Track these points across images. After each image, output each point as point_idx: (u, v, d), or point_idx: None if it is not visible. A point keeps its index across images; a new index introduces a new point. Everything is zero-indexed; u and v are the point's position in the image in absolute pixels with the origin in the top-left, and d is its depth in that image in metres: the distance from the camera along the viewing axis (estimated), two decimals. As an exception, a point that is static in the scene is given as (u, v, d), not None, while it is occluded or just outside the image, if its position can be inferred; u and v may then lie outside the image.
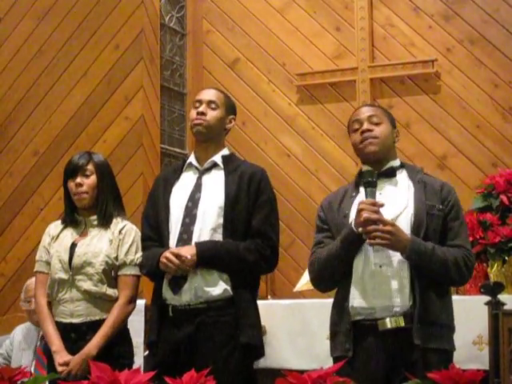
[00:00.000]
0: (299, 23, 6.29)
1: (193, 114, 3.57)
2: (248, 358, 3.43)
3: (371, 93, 5.98)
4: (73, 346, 3.52)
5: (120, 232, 3.64)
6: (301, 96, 6.24)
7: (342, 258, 3.09)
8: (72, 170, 3.66)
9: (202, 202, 3.46)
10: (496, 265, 4.59)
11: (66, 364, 3.45)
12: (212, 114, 3.53)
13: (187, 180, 3.57)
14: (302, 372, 2.13)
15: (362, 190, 3.17)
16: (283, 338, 4.41)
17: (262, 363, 4.00)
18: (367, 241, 3.00)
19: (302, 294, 5.17)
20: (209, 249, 3.38)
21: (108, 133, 5.88)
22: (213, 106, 3.54)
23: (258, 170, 3.57)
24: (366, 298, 3.04)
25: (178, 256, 3.33)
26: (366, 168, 3.21)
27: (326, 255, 3.14)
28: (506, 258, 4.57)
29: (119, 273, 3.60)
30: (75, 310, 3.55)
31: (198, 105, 3.56)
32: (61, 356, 3.49)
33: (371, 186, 3.04)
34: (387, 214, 3.04)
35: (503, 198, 4.73)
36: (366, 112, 3.24)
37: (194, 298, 3.37)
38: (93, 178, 3.65)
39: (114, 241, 3.61)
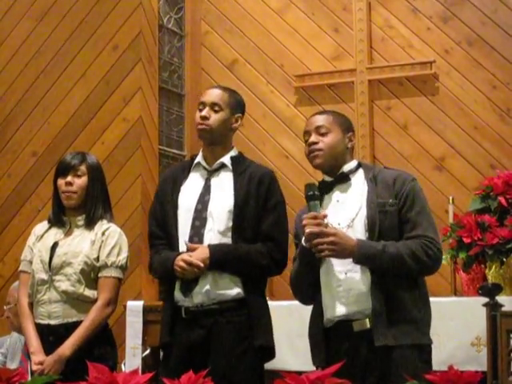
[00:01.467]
0: (297, 25, 6.29)
1: (197, 117, 3.53)
2: (260, 359, 3.44)
3: (369, 94, 5.99)
4: (50, 349, 3.49)
5: (103, 233, 3.60)
6: (299, 97, 6.24)
7: (304, 273, 3.15)
8: (64, 169, 3.63)
9: (211, 205, 3.45)
10: (494, 266, 4.60)
11: (41, 363, 3.43)
12: (215, 118, 3.48)
13: (196, 180, 3.55)
14: (300, 373, 2.13)
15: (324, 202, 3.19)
16: (282, 340, 4.41)
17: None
18: (316, 254, 3.02)
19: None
20: (222, 252, 3.38)
21: (106, 134, 5.87)
22: (216, 108, 3.49)
23: (268, 172, 3.57)
24: (337, 306, 3.06)
25: (190, 264, 3.32)
26: (324, 177, 3.24)
27: (294, 272, 3.22)
28: (504, 259, 4.58)
29: (99, 274, 3.57)
30: (53, 312, 3.53)
31: (201, 107, 3.52)
32: (37, 356, 3.47)
33: (312, 199, 3.05)
34: (343, 220, 3.07)
35: (501, 199, 4.74)
36: (314, 123, 3.23)
37: (206, 299, 3.37)
38: (84, 179, 3.62)
39: (96, 242, 3.58)
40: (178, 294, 3.43)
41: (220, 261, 3.36)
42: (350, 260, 3.03)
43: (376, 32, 6.08)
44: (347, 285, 3.05)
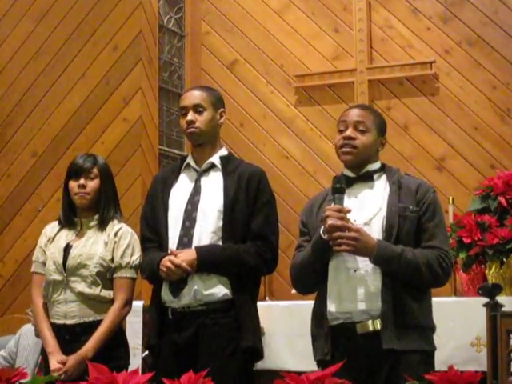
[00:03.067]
0: (297, 25, 6.29)
1: (182, 123, 3.51)
2: (248, 361, 3.42)
3: (369, 94, 5.98)
4: (67, 348, 3.51)
5: (116, 234, 3.63)
6: (299, 97, 6.24)
7: (314, 264, 3.11)
8: (76, 172, 3.65)
9: (201, 205, 3.44)
10: (494, 266, 4.60)
11: (63, 363, 3.44)
12: (202, 119, 3.47)
13: (186, 181, 3.54)
14: (300, 373, 2.13)
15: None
16: (281, 340, 4.42)
17: (261, 365, 3.99)
18: (334, 247, 3.00)
19: (300, 296, 5.16)
20: (209, 253, 3.37)
21: (106, 134, 5.87)
22: (199, 109, 3.48)
23: (257, 171, 3.54)
24: (342, 302, 3.05)
25: (177, 266, 3.31)
26: (345, 171, 3.22)
27: (300, 261, 3.17)
28: (504, 259, 4.58)
29: (115, 275, 3.60)
30: (69, 312, 3.55)
31: (184, 112, 3.50)
32: (55, 357, 3.48)
33: (339, 192, 3.03)
34: (361, 217, 3.06)
35: (501, 199, 4.73)
36: (354, 116, 3.19)
37: (193, 300, 3.36)
38: (96, 182, 3.64)
39: (109, 243, 3.60)
40: (165, 295, 3.42)
41: (207, 262, 3.34)
42: (361, 258, 3.02)
43: (376, 32, 6.08)
44: (355, 282, 3.03)
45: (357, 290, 3.03)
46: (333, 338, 3.05)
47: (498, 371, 2.58)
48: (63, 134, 5.98)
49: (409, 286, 3.03)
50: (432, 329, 3.11)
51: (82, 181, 3.62)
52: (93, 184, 3.64)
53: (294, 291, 5.07)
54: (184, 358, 3.32)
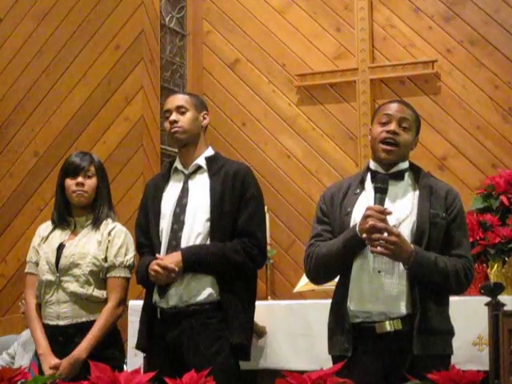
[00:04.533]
0: (299, 24, 6.28)
1: (166, 125, 3.58)
2: (235, 359, 3.41)
3: (371, 93, 5.98)
4: (60, 349, 3.49)
5: (109, 233, 3.62)
6: (301, 97, 6.24)
7: (342, 259, 3.06)
8: (74, 170, 3.64)
9: (189, 208, 3.46)
10: (496, 266, 4.59)
11: (56, 368, 3.42)
12: (184, 119, 3.53)
13: (175, 185, 3.58)
14: (302, 373, 2.13)
15: (367, 187, 3.14)
16: (283, 339, 4.40)
17: (262, 364, 4.00)
18: (370, 248, 2.97)
19: (301, 295, 5.16)
20: (194, 254, 3.38)
21: (108, 133, 5.87)
22: (182, 110, 3.54)
23: (242, 168, 3.57)
24: (362, 301, 3.02)
25: (164, 268, 3.34)
26: (374, 166, 3.16)
27: (326, 252, 3.09)
28: (506, 258, 4.57)
29: (108, 275, 3.58)
30: (62, 313, 3.53)
31: (168, 115, 3.57)
32: (47, 359, 3.47)
33: (381, 193, 2.98)
34: (390, 218, 3.00)
35: (503, 198, 4.72)
36: (399, 111, 3.13)
37: (179, 302, 3.39)
38: (94, 180, 3.65)
39: (102, 242, 3.59)
40: (155, 296, 3.45)
41: (193, 262, 3.36)
42: (387, 260, 2.98)
43: (378, 31, 6.08)
44: (378, 284, 3.01)
45: (379, 291, 3.00)
46: (353, 335, 3.03)
47: (500, 370, 2.58)
48: (65, 133, 5.98)
49: (432, 291, 3.02)
50: (451, 333, 3.10)
51: (80, 179, 3.62)
52: (90, 182, 3.64)
53: (296, 290, 5.09)
54: (172, 357, 3.36)
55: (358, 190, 3.15)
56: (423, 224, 3.03)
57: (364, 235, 2.95)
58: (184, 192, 3.51)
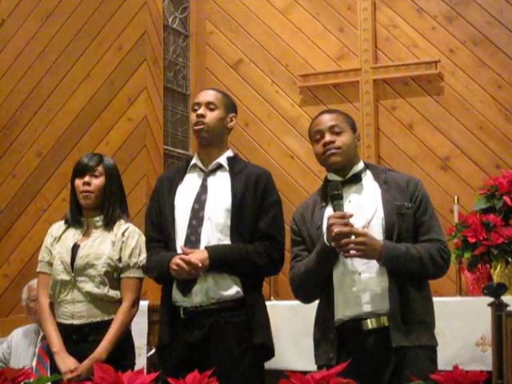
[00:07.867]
0: (302, 24, 6.29)
1: (193, 117, 3.56)
2: (260, 359, 3.44)
3: (374, 94, 5.98)
4: (74, 348, 3.52)
5: (123, 234, 3.64)
6: (304, 97, 6.24)
7: (319, 271, 3.11)
8: (81, 169, 3.67)
9: (208, 204, 3.46)
10: (499, 266, 4.59)
11: (74, 371, 3.44)
12: (211, 116, 3.51)
13: (192, 181, 3.56)
14: (305, 373, 2.13)
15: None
16: (286, 339, 4.41)
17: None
18: (342, 254, 3.00)
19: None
20: (220, 253, 3.38)
21: (111, 134, 5.88)
22: (211, 106, 3.53)
23: (264, 172, 3.58)
24: (349, 306, 3.05)
25: (188, 263, 3.32)
26: (331, 176, 3.23)
27: (304, 270, 3.15)
28: (510, 259, 4.57)
29: (122, 275, 3.61)
30: (76, 312, 3.56)
31: (196, 107, 3.55)
32: (62, 357, 3.50)
33: (338, 199, 3.03)
34: (358, 221, 3.04)
35: (506, 199, 4.73)
36: (327, 122, 3.21)
37: (205, 299, 3.38)
38: (101, 180, 3.66)
39: (116, 243, 3.62)
40: (176, 294, 3.43)
41: (219, 262, 3.36)
42: (364, 261, 3.03)
43: (381, 31, 6.08)
44: (361, 285, 3.04)
45: (363, 293, 3.04)
46: (338, 341, 3.05)
47: (504, 371, 2.58)
48: (68, 133, 5.99)
49: (413, 283, 3.05)
50: (434, 325, 3.12)
51: (86, 178, 3.64)
52: (97, 182, 3.65)
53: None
54: (196, 356, 3.33)
55: (324, 204, 3.21)
56: (391, 217, 3.06)
57: (333, 244, 2.99)
58: (203, 188, 3.50)
